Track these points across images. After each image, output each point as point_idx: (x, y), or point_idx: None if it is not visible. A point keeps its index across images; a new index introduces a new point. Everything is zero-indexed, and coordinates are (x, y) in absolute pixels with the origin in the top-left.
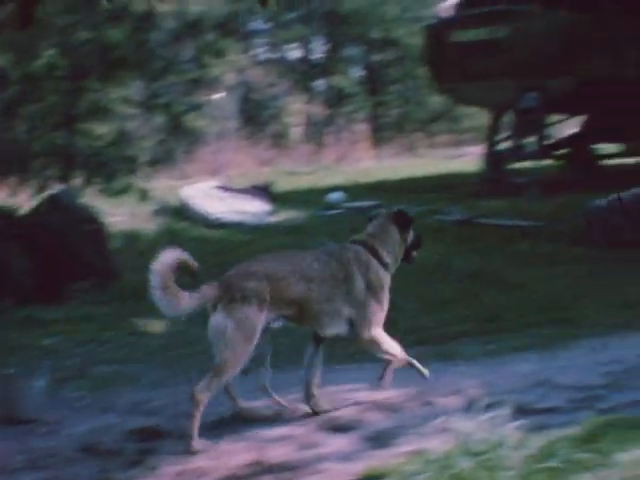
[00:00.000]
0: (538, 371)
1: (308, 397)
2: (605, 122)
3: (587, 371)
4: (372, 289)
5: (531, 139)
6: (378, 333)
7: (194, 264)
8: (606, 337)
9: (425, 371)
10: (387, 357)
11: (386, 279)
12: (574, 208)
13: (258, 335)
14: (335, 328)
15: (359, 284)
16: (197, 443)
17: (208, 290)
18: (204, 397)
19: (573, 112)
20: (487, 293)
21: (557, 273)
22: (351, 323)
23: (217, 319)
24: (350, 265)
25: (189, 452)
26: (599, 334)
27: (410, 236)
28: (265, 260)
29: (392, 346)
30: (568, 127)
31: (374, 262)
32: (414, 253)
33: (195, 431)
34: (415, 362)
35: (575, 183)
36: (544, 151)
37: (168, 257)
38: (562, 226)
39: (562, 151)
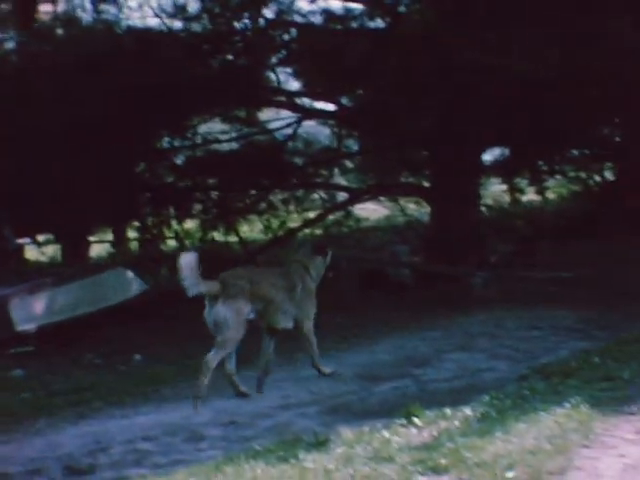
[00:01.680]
0: None
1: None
2: None
3: None
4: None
5: None
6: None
7: None
8: None
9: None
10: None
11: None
12: None
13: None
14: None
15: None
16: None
17: (213, 284)
18: (213, 363)
19: None
20: None
21: None
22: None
23: (221, 309)
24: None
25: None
26: None
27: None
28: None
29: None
30: None
31: (307, 276)
32: None
33: (204, 391)
34: None
35: None
36: None
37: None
38: None
39: None
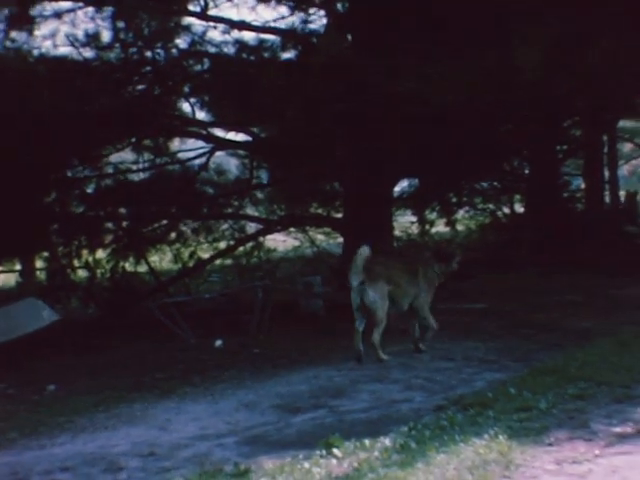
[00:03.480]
0: None
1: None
2: None
3: None
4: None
5: None
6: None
7: None
8: None
9: None
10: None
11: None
12: None
13: None
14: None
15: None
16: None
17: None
18: (379, 338)
19: None
20: None
21: None
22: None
23: (370, 293)
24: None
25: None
26: None
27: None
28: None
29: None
30: None
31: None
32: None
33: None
34: None
35: None
36: None
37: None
38: None
39: None
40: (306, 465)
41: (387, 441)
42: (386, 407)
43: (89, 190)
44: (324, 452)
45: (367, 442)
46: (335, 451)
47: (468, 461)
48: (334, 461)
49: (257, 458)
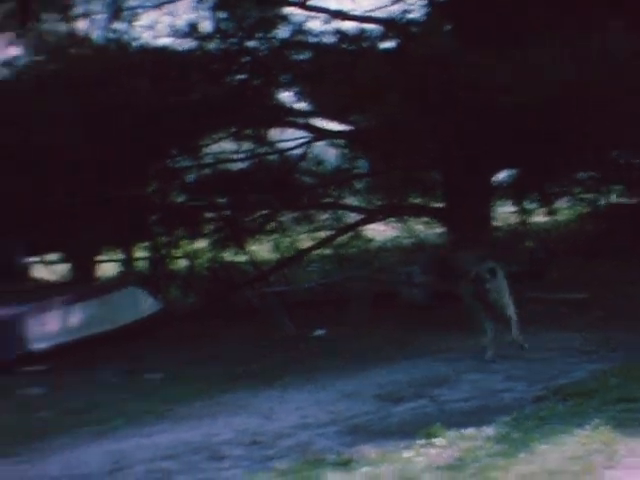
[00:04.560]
0: None
1: None
2: None
3: None
4: None
5: None
6: None
7: None
8: None
9: None
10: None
11: None
12: None
13: None
14: None
15: None
16: None
17: None
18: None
19: None
20: None
21: None
22: None
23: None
24: None
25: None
26: None
27: None
28: None
29: None
30: None
31: None
32: None
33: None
34: None
35: None
36: None
37: None
38: None
39: None
40: (408, 455)
41: (489, 431)
42: (487, 397)
43: (189, 180)
44: (425, 442)
45: (468, 432)
46: (436, 441)
47: (570, 451)
48: (435, 451)
49: (358, 447)
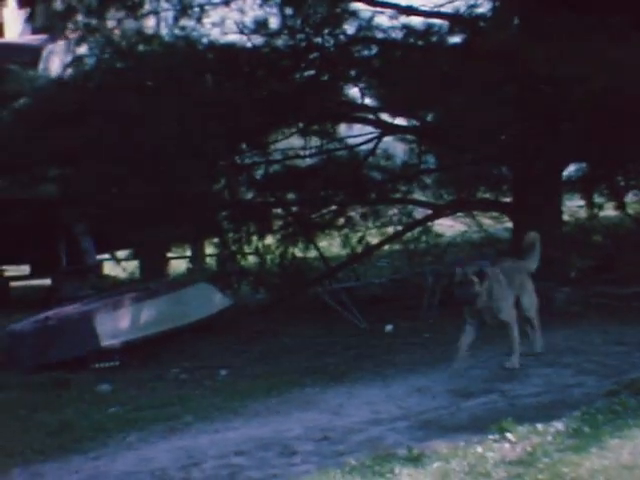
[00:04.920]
0: None
1: None
2: (10, 243)
3: None
4: None
5: None
6: None
7: None
8: (41, 464)
9: None
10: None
11: None
12: None
13: None
14: None
15: None
16: None
17: None
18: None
19: None
20: None
21: None
22: None
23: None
24: None
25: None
26: (32, 461)
27: None
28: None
29: None
30: None
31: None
32: None
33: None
34: None
35: None
36: None
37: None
38: None
39: None
40: (479, 449)
41: (560, 425)
42: (558, 392)
43: (258, 176)
44: (497, 436)
45: (540, 427)
46: (508, 435)
47: None
48: (507, 445)
49: (430, 442)
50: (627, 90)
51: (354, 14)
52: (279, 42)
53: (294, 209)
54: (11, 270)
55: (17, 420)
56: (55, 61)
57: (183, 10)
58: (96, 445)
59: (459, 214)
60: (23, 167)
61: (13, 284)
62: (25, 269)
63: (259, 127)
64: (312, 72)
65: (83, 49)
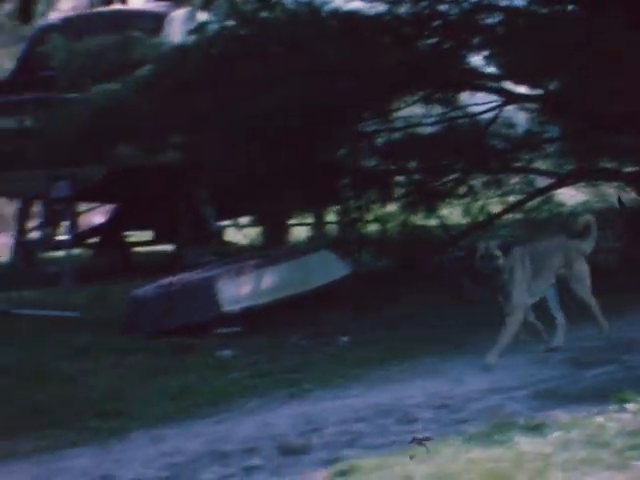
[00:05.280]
0: (95, 466)
1: None
2: (134, 210)
3: (147, 463)
4: None
5: (62, 228)
6: None
7: None
8: (162, 428)
9: None
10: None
11: None
12: (111, 296)
13: None
14: None
15: None
16: None
17: None
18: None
19: (104, 200)
20: (32, 387)
21: (105, 364)
22: None
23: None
24: None
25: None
26: (153, 425)
27: None
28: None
29: None
30: (99, 215)
31: None
32: None
33: None
34: None
35: (108, 271)
36: (76, 240)
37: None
38: (102, 315)
39: (93, 239)
40: (599, 419)
41: None
42: None
43: (379, 144)
44: (617, 407)
45: None
46: (628, 406)
47: None
48: (628, 416)
49: (548, 412)
50: None
51: None
52: (402, 10)
53: (415, 177)
54: (134, 236)
55: (139, 384)
56: (178, 28)
57: None
58: (217, 410)
59: (581, 184)
60: (147, 134)
61: (136, 250)
62: (148, 235)
63: (381, 95)
64: (435, 40)
65: (206, 15)
